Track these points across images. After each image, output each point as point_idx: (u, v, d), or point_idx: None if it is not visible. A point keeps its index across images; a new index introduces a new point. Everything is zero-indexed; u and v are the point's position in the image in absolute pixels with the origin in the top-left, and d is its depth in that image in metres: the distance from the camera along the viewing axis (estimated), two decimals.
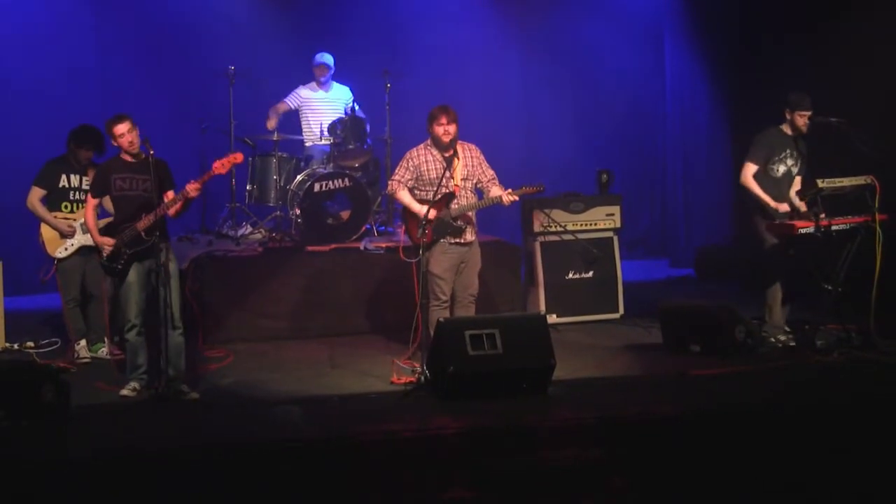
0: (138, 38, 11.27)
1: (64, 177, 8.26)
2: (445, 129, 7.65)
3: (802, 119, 8.26)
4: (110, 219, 7.53)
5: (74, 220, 8.20)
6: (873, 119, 8.68)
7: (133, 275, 7.22)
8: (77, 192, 8.26)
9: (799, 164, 8.39)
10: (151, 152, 7.07)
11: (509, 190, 7.63)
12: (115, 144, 7.25)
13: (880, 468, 6.08)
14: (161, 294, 7.04)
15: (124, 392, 7.21)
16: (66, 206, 8.26)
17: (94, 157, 8.25)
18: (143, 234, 7.12)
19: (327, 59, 10.51)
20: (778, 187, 8.32)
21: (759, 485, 5.98)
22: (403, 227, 8.11)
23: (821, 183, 7.94)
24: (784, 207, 8.22)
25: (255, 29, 11.66)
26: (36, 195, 8.21)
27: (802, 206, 8.14)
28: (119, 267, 7.23)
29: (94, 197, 7.45)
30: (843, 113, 8.29)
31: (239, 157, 7.39)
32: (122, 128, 7.18)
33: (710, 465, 6.10)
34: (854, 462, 6.11)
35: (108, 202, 7.54)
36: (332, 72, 10.57)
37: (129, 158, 7.25)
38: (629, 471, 6.06)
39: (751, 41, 11.43)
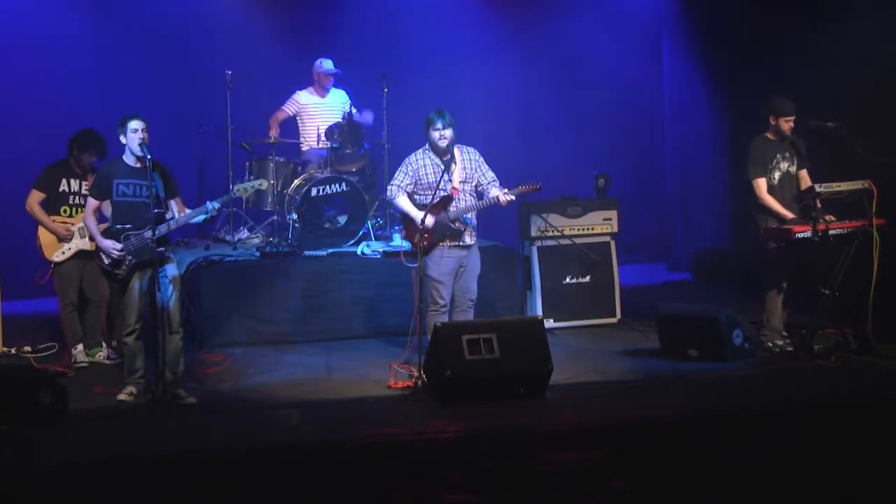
0: (136, 43, 11.26)
1: (64, 181, 8.25)
2: (441, 135, 7.66)
3: (788, 125, 8.27)
4: (107, 224, 7.52)
5: (73, 224, 8.19)
6: (872, 122, 8.69)
7: (135, 280, 7.22)
8: (76, 197, 8.25)
9: (796, 162, 8.39)
10: (149, 157, 7.07)
11: (505, 190, 7.65)
12: (123, 142, 7.21)
13: (879, 472, 6.07)
14: (159, 298, 7.05)
15: (122, 396, 7.21)
16: (64, 211, 8.25)
17: (96, 161, 8.23)
18: (150, 244, 7.11)
19: (332, 65, 10.52)
20: (781, 193, 8.32)
21: (757, 488, 5.97)
22: (403, 232, 8.12)
23: (818, 187, 7.95)
24: (790, 214, 8.20)
25: (252, 33, 11.66)
26: (35, 198, 8.20)
27: (808, 209, 8.12)
28: (121, 273, 7.22)
29: (95, 199, 7.42)
30: (842, 116, 8.30)
31: None
32: (137, 123, 7.16)
33: (709, 470, 6.09)
34: (852, 465, 6.10)
35: (105, 205, 7.54)
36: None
37: (133, 162, 7.24)
38: (628, 474, 6.05)
39: (749, 44, 11.43)
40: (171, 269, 7.24)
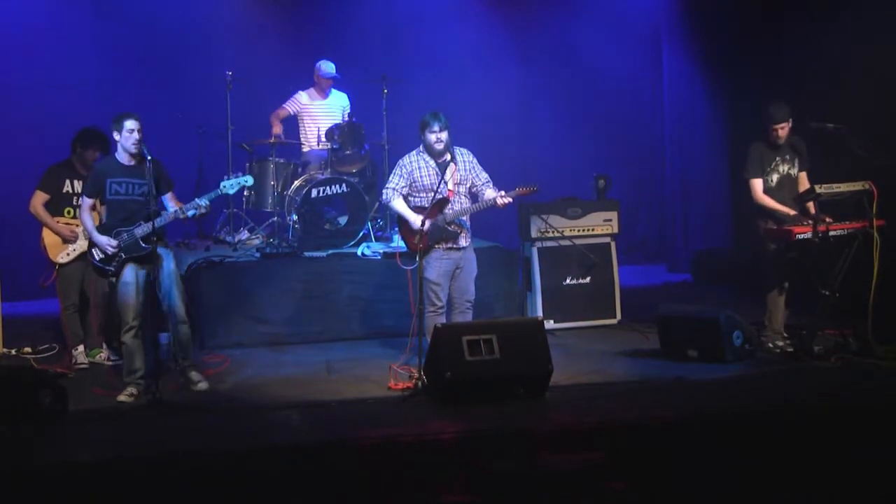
0: (137, 43, 11.26)
1: (68, 182, 8.24)
2: (437, 137, 7.65)
3: (777, 132, 8.22)
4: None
5: (77, 225, 8.18)
6: (871, 122, 8.69)
7: (131, 276, 7.24)
8: (80, 198, 8.23)
9: (796, 164, 8.37)
10: (149, 157, 7.08)
11: (502, 192, 7.64)
12: (117, 139, 7.23)
13: (879, 472, 6.08)
14: (161, 295, 7.12)
15: (122, 397, 7.22)
16: (68, 212, 8.23)
17: (100, 158, 8.22)
18: (141, 242, 7.14)
19: (333, 69, 10.52)
20: (780, 194, 8.31)
21: (758, 488, 5.98)
22: (399, 234, 8.11)
23: (818, 188, 7.95)
24: (789, 211, 8.20)
25: (252, 34, 11.66)
26: (39, 199, 8.18)
27: (811, 208, 8.11)
28: (112, 269, 7.25)
29: (89, 196, 7.44)
30: (842, 116, 8.29)
31: None
32: (133, 123, 7.18)
33: (709, 470, 6.10)
34: (852, 466, 6.11)
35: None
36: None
37: (126, 160, 7.25)
38: (628, 475, 6.06)
39: (749, 45, 11.43)
40: (167, 264, 7.27)
